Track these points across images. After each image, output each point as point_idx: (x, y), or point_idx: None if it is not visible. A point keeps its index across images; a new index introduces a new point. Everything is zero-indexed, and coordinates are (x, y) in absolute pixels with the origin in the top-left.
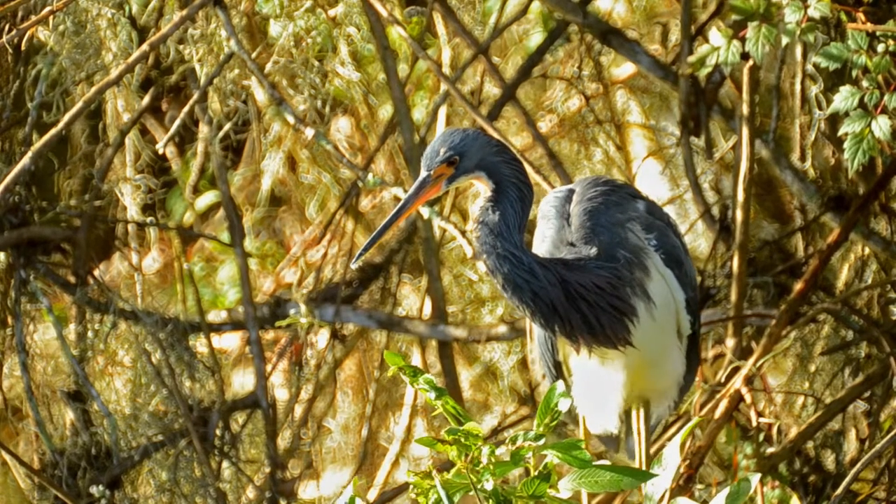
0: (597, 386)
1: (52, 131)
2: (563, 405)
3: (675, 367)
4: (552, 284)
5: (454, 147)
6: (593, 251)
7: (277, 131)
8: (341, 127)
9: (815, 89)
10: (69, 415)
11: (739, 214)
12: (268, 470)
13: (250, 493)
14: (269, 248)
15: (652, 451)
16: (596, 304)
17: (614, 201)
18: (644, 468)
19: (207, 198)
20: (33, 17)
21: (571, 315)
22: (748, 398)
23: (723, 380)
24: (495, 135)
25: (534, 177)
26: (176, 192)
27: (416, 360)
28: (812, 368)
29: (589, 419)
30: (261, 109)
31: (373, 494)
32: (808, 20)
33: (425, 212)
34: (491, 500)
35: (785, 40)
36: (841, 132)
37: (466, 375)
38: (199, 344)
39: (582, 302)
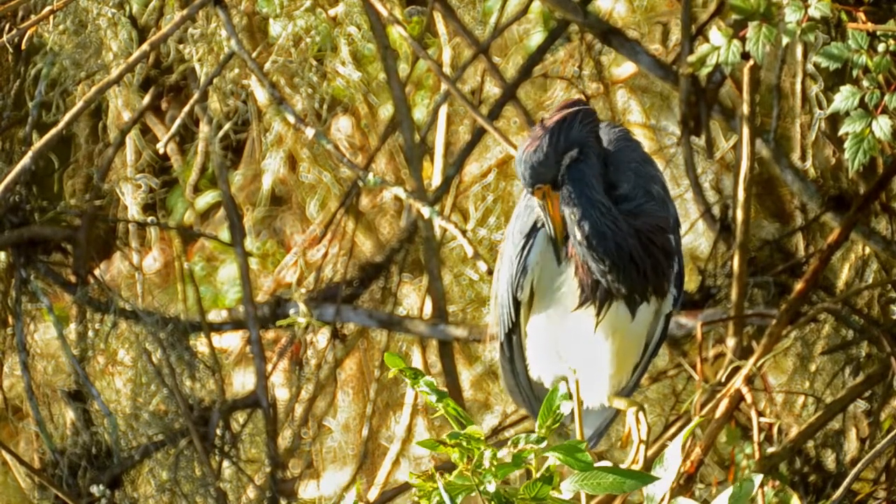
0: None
1: (53, 131)
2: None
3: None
4: (631, 235)
5: None
6: (633, 190)
7: (278, 131)
8: (342, 126)
9: (815, 89)
10: (69, 414)
11: (740, 214)
12: (268, 469)
13: (251, 492)
14: (270, 248)
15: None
16: (662, 246)
17: (637, 142)
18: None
19: (208, 197)
20: (33, 17)
21: (646, 264)
22: (748, 398)
23: (723, 379)
24: (496, 135)
25: None
26: (176, 191)
27: (416, 359)
28: (812, 368)
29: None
30: (261, 109)
31: (373, 494)
32: (809, 20)
33: (426, 211)
34: (493, 502)
35: (785, 40)
36: (841, 132)
37: (467, 375)
38: (200, 343)
39: (653, 247)
